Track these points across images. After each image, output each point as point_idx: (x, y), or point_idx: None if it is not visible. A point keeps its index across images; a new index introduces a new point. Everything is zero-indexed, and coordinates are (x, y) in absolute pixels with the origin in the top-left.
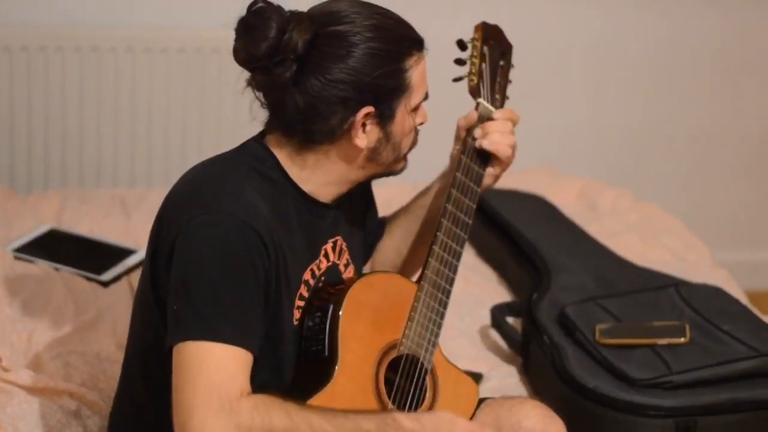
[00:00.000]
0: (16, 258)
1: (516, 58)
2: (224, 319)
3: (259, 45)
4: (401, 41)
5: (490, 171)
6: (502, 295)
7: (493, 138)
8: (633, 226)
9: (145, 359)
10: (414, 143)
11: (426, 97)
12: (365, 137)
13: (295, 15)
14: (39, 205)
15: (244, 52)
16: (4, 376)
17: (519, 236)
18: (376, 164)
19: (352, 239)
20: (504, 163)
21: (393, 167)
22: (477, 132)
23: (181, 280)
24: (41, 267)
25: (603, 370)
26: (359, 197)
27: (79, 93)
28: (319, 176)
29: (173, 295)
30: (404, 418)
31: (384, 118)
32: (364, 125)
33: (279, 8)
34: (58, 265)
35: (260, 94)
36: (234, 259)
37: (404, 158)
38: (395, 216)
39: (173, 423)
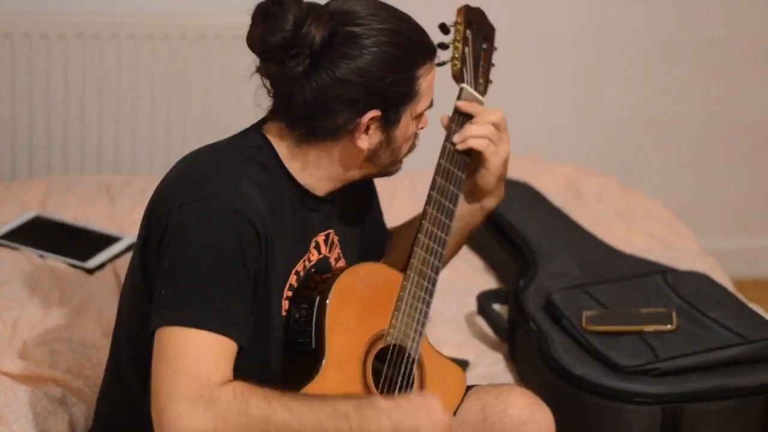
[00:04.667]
0: (1, 245)
1: (502, 44)
2: (209, 307)
3: (275, 36)
4: (415, 48)
5: (483, 172)
6: (488, 282)
7: (466, 133)
8: (619, 214)
9: (134, 346)
10: (412, 147)
11: (431, 105)
12: (368, 139)
13: (314, 9)
14: (23, 192)
15: (259, 42)
16: None
17: (506, 223)
18: (372, 165)
19: (346, 234)
20: (488, 161)
21: (388, 169)
22: (455, 138)
23: (169, 266)
24: (26, 254)
25: (590, 357)
26: (359, 193)
27: (63, 80)
28: (316, 171)
29: (161, 280)
30: (380, 399)
31: (389, 122)
32: (368, 128)
33: (298, 0)
34: (43, 252)
35: (268, 82)
36: (224, 247)
37: (400, 161)
38: (409, 224)
39: (152, 411)
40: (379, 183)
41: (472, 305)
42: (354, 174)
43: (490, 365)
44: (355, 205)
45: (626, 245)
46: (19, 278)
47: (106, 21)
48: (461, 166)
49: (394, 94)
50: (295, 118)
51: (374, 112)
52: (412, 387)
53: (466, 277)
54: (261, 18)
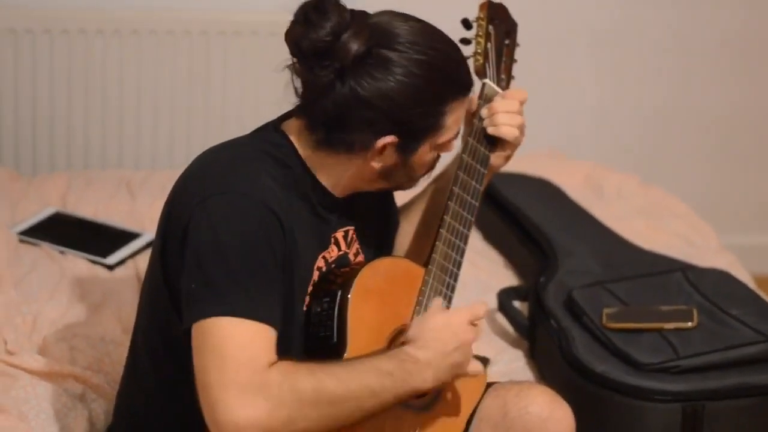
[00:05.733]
0: (21, 241)
1: (523, 39)
2: (243, 295)
3: (306, 41)
4: (448, 84)
5: (499, 152)
6: (508, 278)
7: (498, 120)
8: (639, 210)
9: (154, 343)
10: (431, 169)
11: (456, 135)
12: (382, 160)
13: (357, 21)
14: (44, 188)
15: (292, 43)
16: (9, 359)
17: (525, 219)
18: (386, 182)
19: (365, 229)
20: (512, 144)
21: (403, 186)
22: (483, 112)
23: (197, 260)
24: (46, 250)
25: (610, 355)
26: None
27: (84, 75)
28: (330, 176)
29: (188, 275)
30: (416, 350)
31: (406, 150)
32: (383, 149)
33: (342, 9)
34: (64, 248)
35: (297, 81)
36: (251, 237)
37: (417, 180)
38: (412, 203)
39: (201, 405)
40: None
41: (493, 302)
42: (368, 186)
43: (510, 362)
44: (374, 201)
45: (646, 242)
46: (39, 274)
47: (127, 17)
48: (483, 161)
49: (416, 126)
50: (314, 122)
51: (392, 138)
52: None
53: (485, 274)
54: (301, 19)
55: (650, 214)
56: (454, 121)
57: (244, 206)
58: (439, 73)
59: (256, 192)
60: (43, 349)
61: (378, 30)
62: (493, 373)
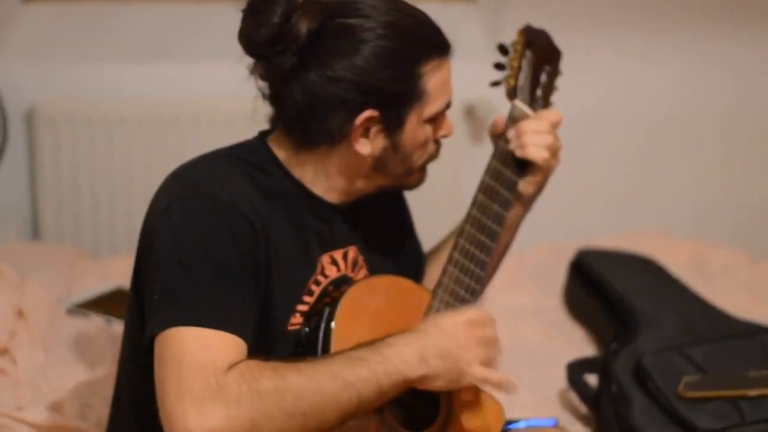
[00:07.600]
0: (70, 312)
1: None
2: (206, 304)
3: (261, 31)
4: (419, 43)
5: (529, 178)
6: (585, 351)
7: (525, 140)
8: (743, 284)
9: (130, 372)
10: (433, 156)
11: (448, 107)
12: (368, 144)
13: (307, 1)
14: (108, 267)
15: (246, 37)
16: (15, 413)
17: (612, 291)
18: (383, 175)
19: (375, 258)
20: (543, 169)
21: (404, 180)
22: (510, 133)
23: (159, 268)
24: (94, 321)
25: (670, 422)
26: (389, 219)
27: (145, 160)
28: (318, 181)
29: (152, 285)
30: (392, 337)
31: (391, 125)
32: (367, 130)
33: None
34: (111, 318)
35: (264, 85)
36: (215, 241)
37: (419, 171)
38: (441, 244)
39: (161, 417)
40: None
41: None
42: (364, 185)
43: None
44: (385, 228)
45: (747, 314)
46: (77, 341)
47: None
48: (509, 185)
49: (390, 93)
50: (288, 122)
51: (370, 113)
52: (435, 417)
53: (559, 345)
54: (249, 13)
55: (755, 288)
56: (437, 86)
57: (207, 208)
58: (406, 32)
59: (222, 193)
60: (56, 408)
61: (331, 4)
62: None
